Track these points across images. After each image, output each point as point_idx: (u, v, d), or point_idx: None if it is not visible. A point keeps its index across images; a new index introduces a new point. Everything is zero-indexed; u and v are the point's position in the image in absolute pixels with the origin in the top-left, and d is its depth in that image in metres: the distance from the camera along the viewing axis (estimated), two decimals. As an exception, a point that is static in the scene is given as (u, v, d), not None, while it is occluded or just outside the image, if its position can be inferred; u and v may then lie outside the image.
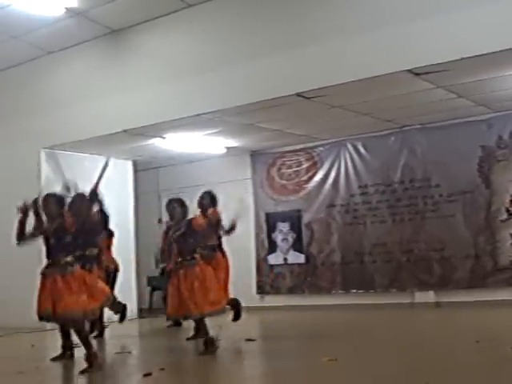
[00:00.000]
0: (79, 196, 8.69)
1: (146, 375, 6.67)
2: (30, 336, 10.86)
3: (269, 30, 10.24)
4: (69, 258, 7.52)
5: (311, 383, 6.29)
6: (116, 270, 10.64)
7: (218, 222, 9.89)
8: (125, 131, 11.94)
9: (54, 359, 8.04)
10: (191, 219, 8.50)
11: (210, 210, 9.84)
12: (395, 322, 11.02)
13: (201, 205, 9.89)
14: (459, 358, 7.04)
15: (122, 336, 10.65)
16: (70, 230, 7.60)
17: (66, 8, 10.65)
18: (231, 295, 9.98)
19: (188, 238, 8.33)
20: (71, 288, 7.39)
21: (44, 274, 7.61)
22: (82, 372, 7.14)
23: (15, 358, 8.43)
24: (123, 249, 13.23)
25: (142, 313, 14.24)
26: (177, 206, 8.56)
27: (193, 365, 7.87)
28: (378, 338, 8.85)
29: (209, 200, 9.95)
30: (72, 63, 12.51)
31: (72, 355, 8.15)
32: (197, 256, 8.32)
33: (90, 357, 7.34)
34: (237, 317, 9.85)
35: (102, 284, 8.05)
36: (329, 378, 6.36)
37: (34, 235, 7.71)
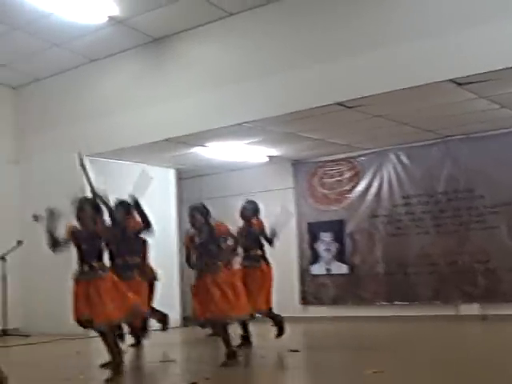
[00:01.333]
0: (121, 203, 8.78)
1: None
2: (75, 342, 10.91)
3: (310, 38, 10.20)
4: (99, 264, 7.54)
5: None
6: (154, 279, 10.58)
7: (261, 232, 9.83)
8: (167, 140, 11.98)
9: (103, 366, 8.02)
10: (214, 226, 8.46)
11: (254, 220, 9.78)
12: (440, 334, 10.85)
13: (243, 214, 9.83)
14: (507, 372, 6.89)
15: (164, 344, 10.61)
16: (103, 236, 7.61)
17: (109, 16, 10.76)
18: (274, 305, 9.90)
19: (210, 245, 8.29)
20: (100, 295, 7.39)
21: (76, 280, 7.61)
22: (107, 381, 7.12)
23: (61, 365, 8.41)
24: (166, 257, 13.29)
25: (185, 321, 14.22)
26: (196, 213, 8.51)
27: (237, 375, 7.78)
28: (422, 351, 8.69)
29: (251, 209, 9.88)
30: (114, 71, 12.60)
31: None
32: (220, 263, 8.28)
33: (114, 365, 7.37)
34: (280, 333, 9.74)
35: (133, 296, 7.96)
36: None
37: (67, 242, 7.71)
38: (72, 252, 7.75)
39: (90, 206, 7.67)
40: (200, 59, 11.55)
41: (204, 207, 8.54)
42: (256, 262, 9.63)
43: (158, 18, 11.05)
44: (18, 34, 11.34)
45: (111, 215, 8.02)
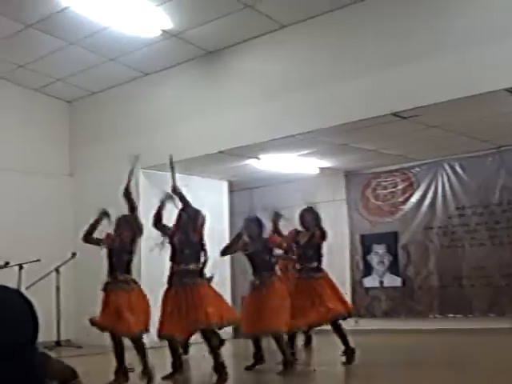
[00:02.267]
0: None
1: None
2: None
3: (363, 49, 10.18)
4: (127, 276, 7.71)
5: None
6: None
7: (319, 243, 9.70)
8: (221, 152, 12.00)
9: (165, 378, 8.14)
10: (268, 237, 8.51)
11: (316, 231, 9.63)
12: (494, 348, 10.71)
13: (303, 223, 9.75)
14: None
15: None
16: (127, 250, 7.79)
17: (162, 30, 10.84)
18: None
19: (263, 256, 8.31)
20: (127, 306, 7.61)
21: (105, 291, 7.81)
22: None
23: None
24: (219, 269, 13.27)
25: (236, 333, 14.20)
26: (252, 224, 8.57)
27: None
28: (479, 366, 8.61)
29: (311, 218, 9.75)
30: (167, 84, 12.68)
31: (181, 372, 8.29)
32: (274, 273, 8.30)
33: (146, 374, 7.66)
34: (349, 361, 9.40)
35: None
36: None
37: (98, 242, 7.92)
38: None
39: (125, 222, 7.89)
40: (252, 71, 11.60)
41: (259, 220, 8.64)
42: (313, 273, 9.50)
43: (211, 31, 11.11)
44: (74, 48, 11.51)
45: (188, 211, 8.23)
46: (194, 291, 7.80)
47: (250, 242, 8.68)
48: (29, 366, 1.91)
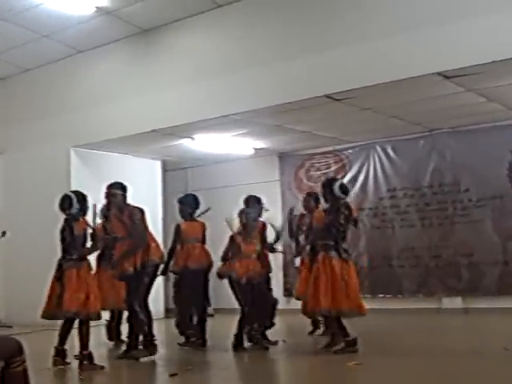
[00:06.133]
0: None
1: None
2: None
3: (298, 31, 10.22)
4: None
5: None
6: None
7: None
8: (154, 131, 11.95)
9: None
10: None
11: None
12: (422, 327, 10.93)
13: (307, 207, 9.81)
14: (486, 365, 6.96)
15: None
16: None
17: (97, 7, 10.73)
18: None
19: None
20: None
21: None
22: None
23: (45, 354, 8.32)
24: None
25: (168, 313, 14.21)
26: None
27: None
28: (403, 344, 8.78)
29: (313, 201, 9.76)
30: (102, 62, 12.57)
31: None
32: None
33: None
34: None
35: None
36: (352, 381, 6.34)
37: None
38: (55, 243, 7.88)
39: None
40: (188, 51, 11.56)
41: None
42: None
43: (147, 8, 11.02)
44: (6, 24, 11.26)
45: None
46: None
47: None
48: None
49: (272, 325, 9.32)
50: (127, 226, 8.22)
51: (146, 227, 8.39)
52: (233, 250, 8.75)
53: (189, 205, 9.58)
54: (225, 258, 8.80)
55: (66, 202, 7.81)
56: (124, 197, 8.43)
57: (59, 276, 7.65)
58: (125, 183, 8.50)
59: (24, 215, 13.21)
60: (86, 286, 7.65)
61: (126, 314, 8.66)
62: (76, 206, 7.76)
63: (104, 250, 9.19)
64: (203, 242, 9.51)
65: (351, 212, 8.54)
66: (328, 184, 8.57)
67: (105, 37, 12.08)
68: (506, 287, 12.00)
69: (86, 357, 7.60)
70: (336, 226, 8.22)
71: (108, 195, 8.45)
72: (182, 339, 9.23)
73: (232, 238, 8.81)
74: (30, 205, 13.09)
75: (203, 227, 9.55)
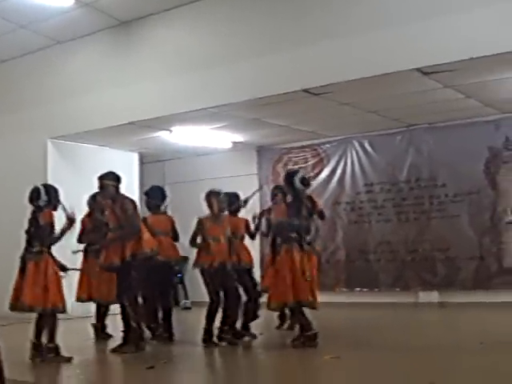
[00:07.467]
0: None
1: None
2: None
3: (277, 25, 10.22)
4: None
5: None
6: None
7: None
8: (131, 123, 11.92)
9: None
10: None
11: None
12: (399, 321, 10.99)
13: (274, 200, 9.77)
14: (462, 359, 7.01)
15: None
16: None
17: (75, -2, 10.65)
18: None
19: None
20: None
21: None
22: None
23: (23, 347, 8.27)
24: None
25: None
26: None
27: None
28: (380, 338, 8.81)
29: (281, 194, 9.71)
30: (80, 54, 12.50)
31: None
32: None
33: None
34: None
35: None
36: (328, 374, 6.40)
37: None
38: (19, 234, 7.89)
39: None
40: (166, 43, 11.53)
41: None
42: None
43: (126, 0, 11.02)
44: (-18, 14, 11.20)
45: None
46: None
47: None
48: None
49: (255, 317, 9.35)
50: (119, 216, 8.20)
51: (138, 218, 8.40)
52: (201, 233, 8.72)
53: (155, 197, 9.54)
54: (193, 242, 8.74)
55: (34, 194, 7.79)
56: (117, 187, 8.41)
57: (22, 268, 7.65)
58: (118, 173, 8.49)
59: (-1, 207, 13.13)
60: (45, 279, 7.62)
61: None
62: (44, 197, 7.72)
63: (93, 242, 9.20)
64: (175, 236, 9.46)
65: (314, 204, 8.59)
66: (288, 177, 8.55)
67: (84, 28, 11.99)
68: (481, 282, 12.11)
69: (51, 349, 7.60)
70: (298, 218, 8.23)
71: (100, 186, 8.45)
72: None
73: (200, 222, 8.76)
74: (4, 196, 12.99)
75: (171, 221, 9.50)
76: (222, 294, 8.58)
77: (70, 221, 7.91)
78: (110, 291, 8.76)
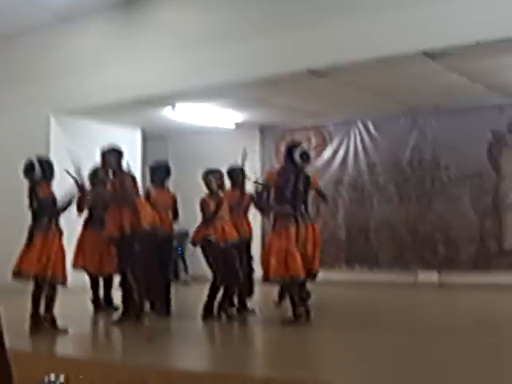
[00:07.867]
0: None
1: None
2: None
3: (283, 4, 10.20)
4: None
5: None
6: None
7: None
8: (135, 99, 11.91)
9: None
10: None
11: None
12: (398, 300, 11.05)
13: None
14: (458, 338, 7.10)
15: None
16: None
17: (81, -24, 10.63)
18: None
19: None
20: None
21: None
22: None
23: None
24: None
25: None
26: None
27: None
28: (378, 317, 8.88)
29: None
30: (85, 31, 12.46)
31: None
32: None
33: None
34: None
35: None
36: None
37: None
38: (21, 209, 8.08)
39: None
40: (171, 21, 11.49)
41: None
42: None
43: (131, -22, 10.97)
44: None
45: None
46: None
47: None
48: None
49: (251, 293, 9.40)
50: (117, 191, 8.26)
51: (137, 194, 8.46)
52: (206, 211, 8.75)
53: (160, 172, 9.57)
54: (211, 219, 8.72)
55: (28, 168, 7.86)
56: (118, 162, 8.45)
57: (29, 238, 7.74)
58: (119, 148, 8.52)
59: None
60: (50, 251, 7.70)
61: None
62: (38, 170, 7.79)
63: (92, 213, 9.26)
64: (175, 214, 9.50)
65: (310, 181, 8.55)
66: (289, 150, 8.52)
67: (89, 6, 11.92)
68: (481, 263, 12.20)
69: (47, 319, 7.69)
70: (291, 190, 8.21)
71: (102, 160, 8.49)
72: None
73: (204, 201, 8.79)
74: (7, 171, 12.97)
75: (173, 199, 9.52)
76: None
77: (81, 189, 8.01)
78: (102, 263, 8.90)
